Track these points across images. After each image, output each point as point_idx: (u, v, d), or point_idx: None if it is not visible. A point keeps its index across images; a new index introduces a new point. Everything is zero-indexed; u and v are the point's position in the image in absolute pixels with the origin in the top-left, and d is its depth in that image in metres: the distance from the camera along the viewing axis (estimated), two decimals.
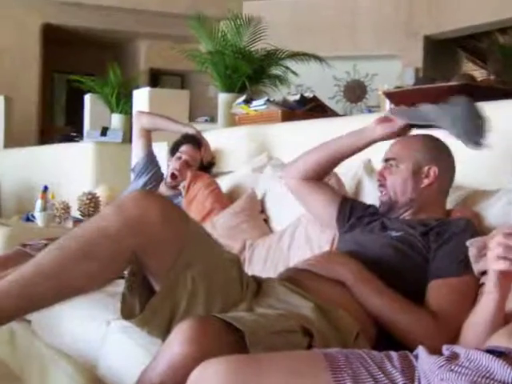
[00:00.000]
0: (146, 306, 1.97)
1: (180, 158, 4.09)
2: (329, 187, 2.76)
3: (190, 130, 4.26)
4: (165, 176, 4.22)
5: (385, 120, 2.53)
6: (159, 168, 4.41)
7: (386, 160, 2.45)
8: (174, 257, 1.94)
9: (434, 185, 2.38)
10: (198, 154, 4.13)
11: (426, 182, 2.38)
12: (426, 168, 2.38)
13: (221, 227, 3.50)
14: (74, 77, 7.19)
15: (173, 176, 4.08)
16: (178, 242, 1.94)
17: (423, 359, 1.48)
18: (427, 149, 2.40)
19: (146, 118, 4.51)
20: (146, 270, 1.99)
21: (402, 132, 2.48)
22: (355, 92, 11.43)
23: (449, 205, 2.51)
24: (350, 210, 2.61)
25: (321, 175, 2.71)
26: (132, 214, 1.89)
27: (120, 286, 2.06)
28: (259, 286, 2.15)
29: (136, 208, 1.90)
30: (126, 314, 2.03)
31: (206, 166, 4.18)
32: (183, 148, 4.12)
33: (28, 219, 4.93)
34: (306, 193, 2.73)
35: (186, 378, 1.50)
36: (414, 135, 2.47)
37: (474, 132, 2.27)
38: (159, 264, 1.94)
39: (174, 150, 4.18)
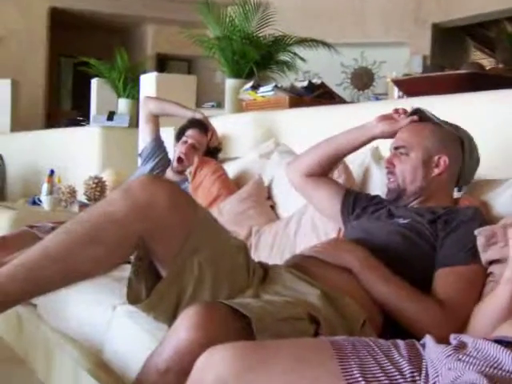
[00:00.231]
0: (152, 291, 1.97)
1: (186, 142, 4.08)
2: (332, 181, 2.76)
3: (197, 115, 4.25)
4: (171, 161, 4.21)
5: (387, 118, 2.53)
6: (166, 153, 4.41)
7: (396, 148, 2.43)
8: (181, 242, 1.93)
9: (444, 174, 2.37)
10: (204, 138, 4.12)
11: (436, 171, 2.37)
12: (436, 157, 2.36)
13: (227, 213, 3.49)
14: (82, 58, 7.16)
15: (179, 160, 4.07)
16: (185, 227, 1.94)
17: (430, 348, 1.47)
18: (437, 137, 2.38)
19: (153, 103, 4.50)
20: (153, 255, 1.98)
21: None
22: (362, 79, 11.39)
23: (457, 193, 2.50)
24: (354, 201, 2.60)
25: (324, 171, 2.71)
26: (139, 199, 1.88)
27: (126, 270, 2.05)
28: (266, 272, 2.15)
29: (143, 193, 1.90)
30: (132, 299, 2.02)
31: (213, 151, 4.17)
32: (189, 132, 4.11)
33: (34, 203, 4.94)
34: (310, 188, 2.73)
35: (192, 363, 1.50)
36: (423, 123, 2.45)
37: None
38: (166, 249, 1.94)
39: (180, 134, 4.17)
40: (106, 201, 1.95)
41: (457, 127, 2.43)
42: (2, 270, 1.83)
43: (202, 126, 4.15)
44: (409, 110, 2.51)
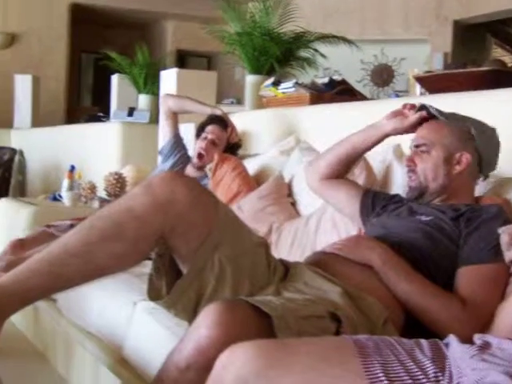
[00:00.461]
0: (172, 287, 1.96)
1: (206, 137, 4.09)
2: (351, 182, 2.74)
3: (216, 112, 4.25)
4: (191, 157, 4.21)
5: (397, 114, 2.53)
6: (186, 150, 4.41)
7: (417, 146, 2.41)
8: (202, 239, 1.92)
9: (466, 171, 2.35)
10: (224, 134, 4.12)
11: (457, 168, 2.34)
12: (457, 154, 2.34)
13: (247, 210, 3.49)
14: (106, 52, 7.16)
15: (199, 156, 4.08)
16: (206, 223, 1.93)
17: (454, 348, 1.46)
18: (456, 135, 2.35)
19: (172, 100, 4.51)
20: (174, 252, 1.98)
21: (414, 127, 2.48)
22: (382, 76, 11.35)
23: (479, 192, 2.48)
24: (373, 201, 2.58)
25: (341, 173, 2.69)
26: (160, 195, 1.88)
27: (147, 267, 2.06)
28: (287, 269, 2.14)
29: (164, 189, 1.89)
30: (153, 295, 2.02)
31: (232, 147, 4.17)
32: (209, 128, 4.11)
33: (55, 198, 4.94)
34: (328, 191, 2.72)
35: (213, 361, 1.49)
36: (440, 121, 2.43)
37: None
38: (187, 246, 1.93)
39: (200, 130, 4.17)
40: (127, 197, 1.95)
41: (464, 118, 2.40)
42: (22, 265, 1.84)
43: (222, 122, 4.15)
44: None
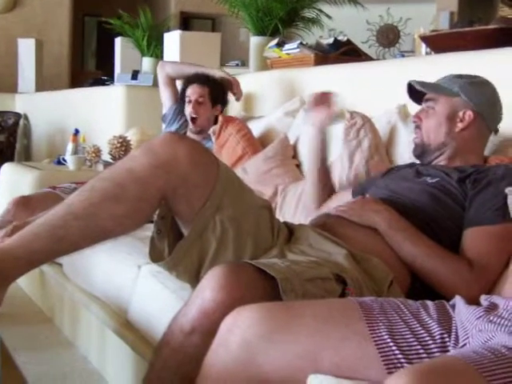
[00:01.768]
0: (174, 248, 1.96)
1: (190, 101, 4.07)
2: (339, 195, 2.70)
3: (217, 74, 4.22)
4: (188, 122, 4.20)
5: (316, 105, 2.62)
6: None
7: (426, 100, 2.39)
8: (204, 200, 1.91)
9: (470, 130, 2.32)
10: (204, 88, 4.09)
11: (459, 126, 2.32)
12: (461, 112, 2.32)
13: (252, 172, 3.47)
14: (106, 18, 7.12)
15: (192, 120, 4.06)
16: (207, 184, 1.92)
17: (460, 309, 1.45)
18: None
19: (169, 65, 4.50)
20: (175, 214, 1.97)
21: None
22: (388, 36, 11.29)
23: (487, 152, 2.46)
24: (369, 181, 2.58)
25: (328, 190, 2.70)
26: (161, 156, 1.87)
27: (150, 230, 2.05)
28: (291, 232, 2.13)
29: (165, 149, 1.88)
30: (155, 257, 2.02)
31: (222, 98, 4.16)
32: (189, 91, 4.10)
33: (59, 162, 4.93)
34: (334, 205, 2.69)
35: (218, 324, 1.49)
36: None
37: None
38: (188, 207, 1.92)
39: (182, 98, 4.16)
40: (128, 158, 1.94)
41: (447, 82, 2.38)
42: (26, 228, 1.83)
43: (198, 78, 4.13)
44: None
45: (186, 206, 1.92)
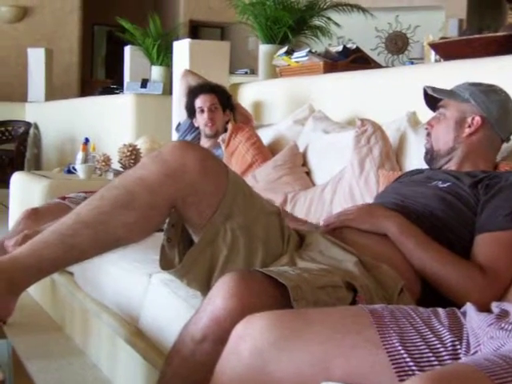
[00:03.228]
0: (184, 256, 1.96)
1: (203, 110, 4.09)
2: None
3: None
4: (202, 131, 4.20)
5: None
6: None
7: (439, 107, 2.39)
8: (214, 208, 1.91)
9: (478, 135, 2.32)
10: (212, 96, 4.13)
11: (467, 131, 2.32)
12: (470, 118, 2.32)
13: (262, 180, 3.48)
14: (119, 20, 7.13)
15: (208, 124, 4.08)
16: (217, 192, 1.92)
17: (472, 316, 1.44)
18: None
19: (192, 77, 4.52)
20: (186, 222, 1.98)
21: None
22: (397, 44, 11.28)
23: (498, 157, 2.45)
24: None
25: None
26: (171, 163, 1.87)
27: (161, 238, 2.05)
28: (301, 239, 2.12)
29: (174, 157, 1.88)
30: (166, 265, 2.02)
31: (227, 102, 4.20)
32: (199, 101, 4.11)
33: (69, 171, 4.95)
34: None
35: (229, 332, 1.48)
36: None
37: None
38: (198, 215, 1.92)
39: (191, 110, 4.17)
40: (138, 166, 1.94)
41: (460, 88, 2.38)
42: (37, 237, 1.84)
43: (203, 87, 4.16)
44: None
45: (196, 214, 1.92)
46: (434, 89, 2.41)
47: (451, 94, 2.38)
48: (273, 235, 2.02)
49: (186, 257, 1.95)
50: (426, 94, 2.45)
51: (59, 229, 1.83)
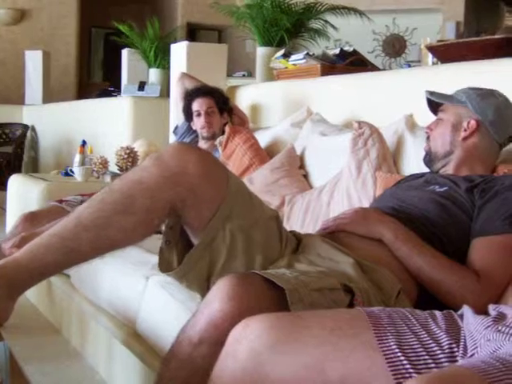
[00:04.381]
0: (183, 259, 1.96)
1: (200, 113, 4.10)
2: None
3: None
4: (199, 133, 4.20)
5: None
6: None
7: (439, 111, 2.41)
8: (213, 211, 1.91)
9: (473, 139, 2.33)
10: (209, 99, 4.15)
11: (462, 134, 2.33)
12: (465, 121, 2.33)
13: (259, 183, 3.47)
14: (115, 24, 7.12)
15: (205, 127, 4.09)
16: (217, 195, 1.92)
17: (469, 319, 1.44)
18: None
19: (189, 81, 4.51)
20: (184, 224, 1.97)
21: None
22: (394, 46, 11.29)
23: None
24: None
25: None
26: (170, 166, 1.87)
27: (158, 241, 2.05)
28: (299, 241, 2.12)
29: (174, 160, 1.88)
30: (164, 267, 2.02)
31: (224, 104, 4.21)
32: (195, 104, 4.12)
33: (67, 174, 4.94)
34: None
35: (226, 335, 1.48)
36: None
37: None
38: (198, 217, 1.92)
39: (188, 114, 4.18)
40: (138, 169, 1.95)
41: (459, 92, 2.38)
42: (36, 240, 1.84)
43: (200, 90, 4.16)
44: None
45: (195, 216, 1.92)
46: (432, 93, 2.42)
47: (449, 97, 2.39)
48: (271, 238, 2.02)
49: (186, 259, 1.95)
50: (428, 99, 2.46)
51: (60, 232, 1.84)
